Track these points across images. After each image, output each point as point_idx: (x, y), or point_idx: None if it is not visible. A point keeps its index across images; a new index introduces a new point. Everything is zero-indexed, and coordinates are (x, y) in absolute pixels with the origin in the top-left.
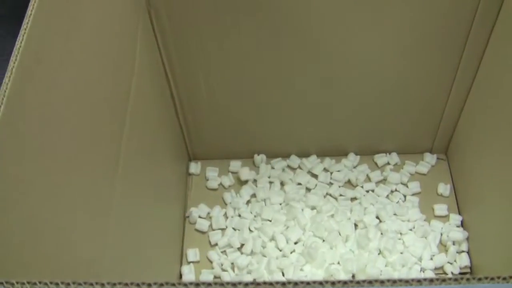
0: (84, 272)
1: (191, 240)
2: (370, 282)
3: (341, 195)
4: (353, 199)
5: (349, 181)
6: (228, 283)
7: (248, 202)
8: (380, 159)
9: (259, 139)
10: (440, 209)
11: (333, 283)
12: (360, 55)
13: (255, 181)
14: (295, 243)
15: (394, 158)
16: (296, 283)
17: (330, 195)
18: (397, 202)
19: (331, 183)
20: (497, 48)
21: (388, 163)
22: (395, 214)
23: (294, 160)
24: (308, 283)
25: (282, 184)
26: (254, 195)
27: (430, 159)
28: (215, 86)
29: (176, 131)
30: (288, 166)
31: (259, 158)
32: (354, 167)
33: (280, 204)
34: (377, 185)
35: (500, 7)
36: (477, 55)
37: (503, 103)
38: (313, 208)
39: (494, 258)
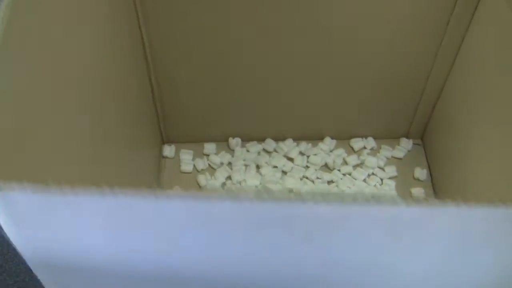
0: None
1: None
2: None
3: (318, 178)
4: (330, 182)
5: (325, 165)
6: None
7: (223, 184)
8: (357, 143)
9: (234, 122)
10: (417, 192)
11: None
12: (337, 40)
13: (230, 163)
14: None
15: (371, 142)
16: None
17: (307, 178)
18: (374, 185)
19: (307, 167)
20: (476, 34)
21: (365, 147)
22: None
23: (270, 144)
24: None
25: (257, 167)
26: (229, 178)
27: (406, 144)
28: (194, 69)
29: (151, 114)
30: (264, 150)
31: (234, 141)
32: (331, 151)
33: (256, 186)
34: (354, 168)
35: None
36: (456, 41)
37: (480, 89)
38: (290, 191)
39: None
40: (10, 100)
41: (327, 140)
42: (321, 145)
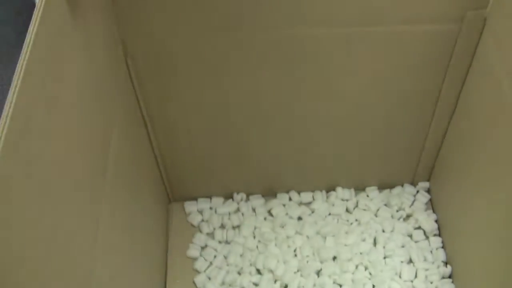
0: None
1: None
2: None
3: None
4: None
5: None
6: None
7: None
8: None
9: (239, 178)
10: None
11: None
12: (341, 97)
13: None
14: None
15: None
16: None
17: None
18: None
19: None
20: (474, 83)
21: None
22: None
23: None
24: None
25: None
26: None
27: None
28: (193, 131)
29: (155, 175)
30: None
31: (239, 196)
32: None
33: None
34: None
35: (477, 44)
36: (455, 90)
37: (481, 138)
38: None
39: None
40: None
41: (339, 190)
42: (334, 194)
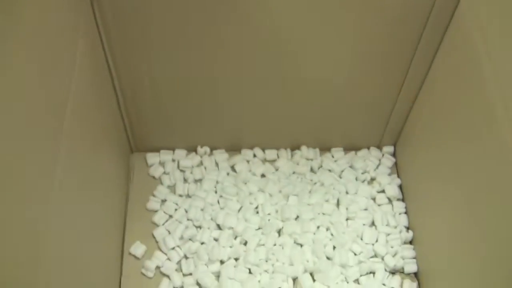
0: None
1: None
2: None
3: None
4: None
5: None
6: None
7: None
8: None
9: (203, 131)
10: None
11: None
12: (310, 55)
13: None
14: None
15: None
16: None
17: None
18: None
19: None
20: (449, 47)
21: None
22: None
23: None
24: None
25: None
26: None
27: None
28: (158, 79)
29: (118, 124)
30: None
31: (203, 150)
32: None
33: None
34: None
35: (454, 11)
36: (429, 53)
37: (452, 104)
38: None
39: (439, 261)
40: None
41: (304, 148)
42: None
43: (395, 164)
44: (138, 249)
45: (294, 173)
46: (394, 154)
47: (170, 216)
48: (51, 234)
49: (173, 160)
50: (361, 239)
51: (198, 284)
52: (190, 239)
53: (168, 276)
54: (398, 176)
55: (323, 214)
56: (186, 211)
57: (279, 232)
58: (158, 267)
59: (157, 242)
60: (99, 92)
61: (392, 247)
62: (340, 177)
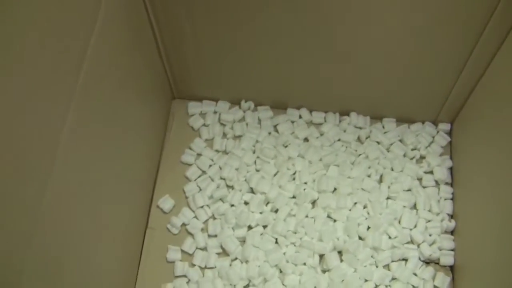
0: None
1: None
2: None
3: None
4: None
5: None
6: None
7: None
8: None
9: (248, 85)
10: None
11: None
12: (374, 17)
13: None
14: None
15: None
16: None
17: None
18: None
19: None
20: None
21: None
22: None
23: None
24: None
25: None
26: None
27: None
28: (199, 27)
29: (157, 68)
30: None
31: (247, 105)
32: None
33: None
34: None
35: None
36: (498, 36)
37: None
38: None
39: (480, 257)
40: None
41: (353, 115)
42: (347, 119)
43: (450, 144)
44: (166, 203)
45: (339, 140)
46: (450, 133)
47: (204, 172)
48: (78, 174)
49: (215, 112)
50: (399, 222)
51: (221, 247)
52: (220, 199)
53: (192, 235)
54: (451, 158)
55: (363, 190)
56: (221, 168)
57: (313, 203)
58: (184, 224)
59: (186, 197)
60: (132, 35)
61: (430, 235)
62: (388, 151)
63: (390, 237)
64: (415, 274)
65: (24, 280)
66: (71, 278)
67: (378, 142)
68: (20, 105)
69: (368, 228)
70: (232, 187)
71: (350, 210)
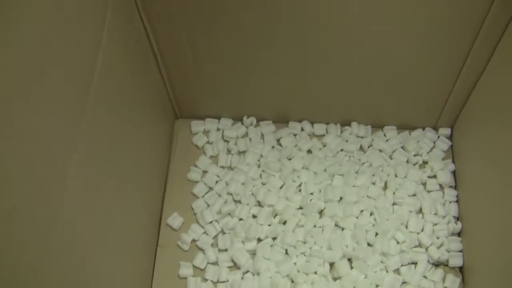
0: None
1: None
2: None
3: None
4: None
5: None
6: None
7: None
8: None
9: (250, 100)
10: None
11: None
12: (370, 25)
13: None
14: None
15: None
16: None
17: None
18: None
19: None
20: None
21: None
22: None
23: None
24: None
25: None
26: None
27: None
28: (198, 44)
29: (159, 89)
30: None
31: (249, 120)
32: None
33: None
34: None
35: None
36: (493, 38)
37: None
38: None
39: (488, 257)
40: None
41: (354, 125)
42: (349, 129)
43: (451, 148)
44: (175, 220)
45: (342, 150)
46: (450, 138)
47: (211, 189)
48: (88, 197)
49: (218, 129)
50: (406, 227)
51: (232, 261)
52: (228, 214)
53: (203, 251)
54: (453, 162)
55: (368, 197)
56: (227, 184)
57: (321, 213)
58: (194, 240)
59: (195, 214)
60: (134, 60)
61: (438, 238)
62: (391, 158)
63: (398, 242)
64: (425, 277)
65: None
66: None
67: (380, 150)
68: (31, 133)
69: (376, 234)
70: (239, 202)
71: (357, 217)
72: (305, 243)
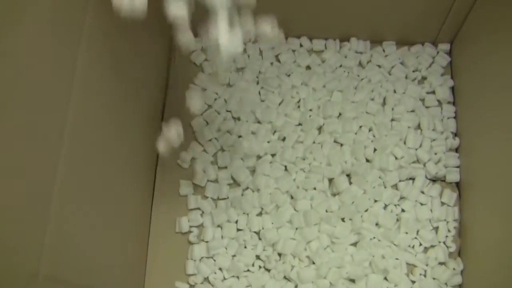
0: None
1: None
2: None
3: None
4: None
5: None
6: None
7: None
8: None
9: None
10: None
11: None
12: None
13: None
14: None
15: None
16: None
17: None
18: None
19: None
20: None
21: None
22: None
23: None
24: None
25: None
26: None
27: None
28: None
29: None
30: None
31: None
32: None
33: None
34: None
35: None
36: None
37: None
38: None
39: (484, 172)
40: None
41: (353, 40)
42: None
43: (450, 64)
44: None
45: (341, 66)
46: (450, 53)
47: (209, 106)
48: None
49: None
50: (404, 143)
51: (232, 178)
52: (227, 131)
53: (203, 168)
54: (452, 78)
55: (367, 113)
56: (226, 101)
57: (320, 129)
58: (193, 158)
59: (194, 132)
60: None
61: (436, 153)
62: (390, 74)
63: (396, 158)
64: (423, 192)
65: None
66: None
67: (379, 66)
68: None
69: (375, 150)
70: (238, 119)
71: (356, 133)
72: (304, 159)
